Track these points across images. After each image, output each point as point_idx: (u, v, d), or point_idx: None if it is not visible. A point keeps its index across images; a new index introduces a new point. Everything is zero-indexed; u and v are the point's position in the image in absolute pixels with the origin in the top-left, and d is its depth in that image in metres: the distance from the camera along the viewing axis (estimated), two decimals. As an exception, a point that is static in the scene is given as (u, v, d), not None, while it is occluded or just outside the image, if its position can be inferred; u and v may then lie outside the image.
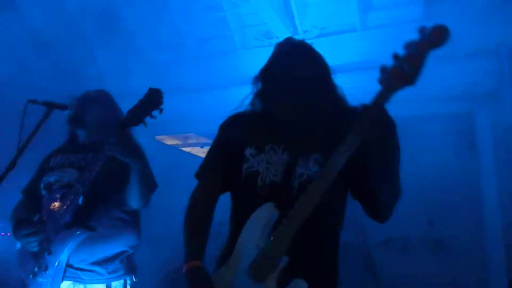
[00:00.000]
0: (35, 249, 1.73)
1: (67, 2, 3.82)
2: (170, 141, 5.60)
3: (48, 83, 3.77)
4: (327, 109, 1.35)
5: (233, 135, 1.39)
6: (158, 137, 5.26)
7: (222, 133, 1.45)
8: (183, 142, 5.72)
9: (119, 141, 1.67)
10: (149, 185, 1.85)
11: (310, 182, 1.18)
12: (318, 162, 1.28)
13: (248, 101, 1.43)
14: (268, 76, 1.41)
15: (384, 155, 1.21)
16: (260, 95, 1.42)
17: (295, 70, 1.37)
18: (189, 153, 5.51)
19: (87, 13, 3.91)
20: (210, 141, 5.88)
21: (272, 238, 1.16)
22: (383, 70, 1.14)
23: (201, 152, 5.61)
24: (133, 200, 1.82)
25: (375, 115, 1.14)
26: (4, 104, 3.67)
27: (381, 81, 1.14)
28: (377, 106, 1.14)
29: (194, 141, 5.66)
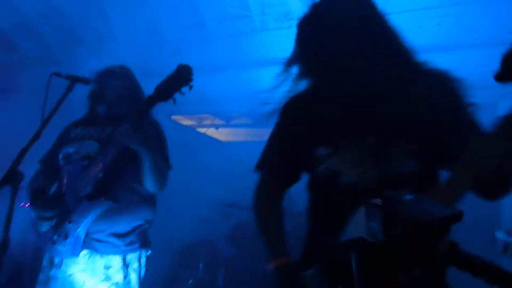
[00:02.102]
0: (43, 229, 1.78)
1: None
2: (185, 122, 5.64)
3: (69, 59, 3.82)
4: (400, 71, 1.11)
5: (299, 131, 1.23)
6: (173, 117, 5.30)
7: (284, 125, 1.29)
8: (198, 123, 5.75)
9: (132, 126, 1.67)
10: (161, 169, 1.86)
11: (407, 181, 1.03)
12: (413, 154, 1.07)
13: (290, 83, 1.23)
14: (315, 47, 1.16)
15: None
16: (310, 73, 1.20)
17: (344, 25, 1.11)
18: (204, 134, 5.55)
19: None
20: (224, 123, 5.89)
21: None
22: None
23: (216, 133, 5.64)
24: (148, 183, 1.84)
25: None
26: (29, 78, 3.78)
27: None
28: None
29: (209, 122, 5.69)
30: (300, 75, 1.22)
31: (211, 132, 5.57)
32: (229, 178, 4.14)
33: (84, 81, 1.81)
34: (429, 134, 1.05)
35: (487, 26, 3.11)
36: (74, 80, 1.76)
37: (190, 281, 3.80)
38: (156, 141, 1.87)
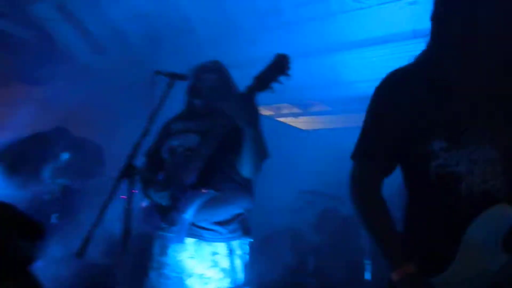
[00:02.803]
0: (168, 203, 1.87)
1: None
2: (264, 112, 5.70)
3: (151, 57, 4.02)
4: None
5: (407, 118, 1.07)
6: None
7: (387, 107, 1.12)
8: (276, 112, 5.77)
9: (238, 106, 1.72)
10: (261, 154, 1.90)
11: None
12: None
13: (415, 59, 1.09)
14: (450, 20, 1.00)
15: None
16: (438, 52, 1.04)
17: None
18: (284, 123, 5.56)
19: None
20: (302, 111, 5.85)
21: None
22: None
23: (296, 122, 5.62)
24: (245, 167, 1.88)
25: None
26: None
27: None
28: None
29: (287, 111, 5.69)
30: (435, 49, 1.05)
31: (290, 121, 5.57)
32: (312, 166, 4.12)
33: (182, 77, 1.88)
34: None
35: None
36: (173, 77, 1.84)
37: (279, 270, 3.86)
38: (258, 124, 1.89)
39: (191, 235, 1.89)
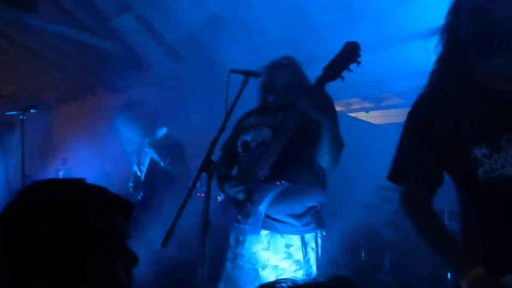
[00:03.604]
0: (243, 197, 1.96)
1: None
2: (336, 107, 5.64)
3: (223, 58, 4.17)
4: None
5: (445, 127, 1.11)
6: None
7: (422, 122, 1.17)
8: (346, 108, 5.69)
9: (312, 99, 1.74)
10: (338, 144, 1.90)
11: None
12: None
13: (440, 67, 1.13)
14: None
15: None
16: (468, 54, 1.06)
17: None
18: (356, 118, 5.47)
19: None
20: (374, 105, 5.70)
21: None
22: None
23: (366, 117, 5.50)
24: (324, 159, 1.90)
25: None
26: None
27: None
28: None
29: (357, 106, 5.58)
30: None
31: (361, 116, 5.46)
32: (386, 161, 4.00)
33: (256, 74, 1.96)
34: None
35: None
36: (248, 74, 1.91)
37: (353, 266, 3.81)
38: (335, 113, 1.90)
39: (266, 227, 1.95)
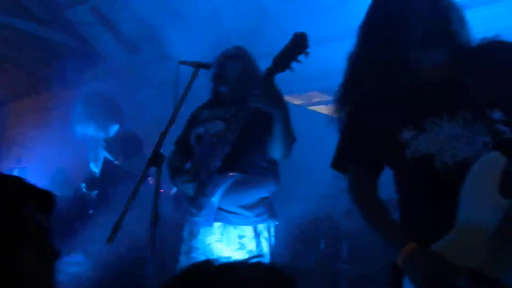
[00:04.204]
0: (191, 194, 1.96)
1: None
2: (296, 101, 5.68)
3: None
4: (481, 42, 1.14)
5: (374, 114, 1.20)
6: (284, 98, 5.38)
7: (355, 109, 1.25)
8: (307, 101, 5.75)
9: (263, 92, 1.75)
10: (290, 135, 1.93)
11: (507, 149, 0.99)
12: (501, 121, 1.07)
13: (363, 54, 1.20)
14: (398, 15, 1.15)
15: None
16: (391, 44, 1.15)
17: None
18: (316, 112, 5.54)
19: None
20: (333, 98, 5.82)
21: None
22: None
23: (327, 110, 5.58)
24: (275, 150, 1.91)
25: None
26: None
27: None
28: None
29: (318, 99, 5.65)
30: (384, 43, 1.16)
31: (322, 109, 5.53)
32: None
33: (206, 66, 1.94)
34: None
35: None
36: (198, 66, 1.90)
37: (312, 256, 3.87)
38: (284, 104, 1.91)
39: (218, 219, 1.96)
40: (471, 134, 1.07)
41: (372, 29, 1.21)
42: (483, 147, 1.06)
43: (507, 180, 0.99)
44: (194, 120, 2.16)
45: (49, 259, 0.75)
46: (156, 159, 1.71)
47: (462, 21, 1.14)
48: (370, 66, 1.20)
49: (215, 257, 1.93)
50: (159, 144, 1.74)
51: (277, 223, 2.07)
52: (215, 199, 1.92)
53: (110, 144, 2.96)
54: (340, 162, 1.30)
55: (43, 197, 0.77)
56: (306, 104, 5.70)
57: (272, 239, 2.03)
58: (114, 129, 3.08)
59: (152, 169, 1.72)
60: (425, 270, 1.02)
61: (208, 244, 1.99)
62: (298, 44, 1.70)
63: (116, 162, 2.95)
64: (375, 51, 1.18)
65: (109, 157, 2.95)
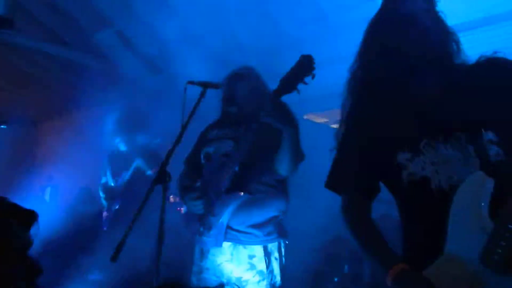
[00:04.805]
0: (201, 212, 1.95)
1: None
2: (318, 119, 5.64)
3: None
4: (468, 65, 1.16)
5: (370, 136, 1.20)
6: (306, 116, 5.35)
7: (353, 130, 1.26)
8: (330, 119, 5.69)
9: (273, 108, 1.75)
10: (298, 153, 1.92)
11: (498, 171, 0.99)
12: (493, 142, 1.06)
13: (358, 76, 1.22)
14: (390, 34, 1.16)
15: None
16: (383, 67, 1.17)
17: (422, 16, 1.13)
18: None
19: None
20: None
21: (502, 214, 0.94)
22: None
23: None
24: (283, 166, 1.90)
25: None
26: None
27: None
28: None
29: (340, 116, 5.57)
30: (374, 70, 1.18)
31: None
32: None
33: (215, 86, 1.96)
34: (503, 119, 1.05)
35: None
36: (206, 86, 1.92)
37: (336, 279, 3.76)
38: (294, 120, 1.91)
39: (228, 239, 1.94)
40: (466, 156, 1.06)
41: (368, 53, 1.22)
42: (477, 169, 1.04)
43: (494, 202, 0.97)
44: (203, 139, 2.17)
45: (32, 275, 0.76)
46: (162, 176, 1.72)
47: (456, 43, 1.17)
48: (366, 88, 1.22)
49: (225, 277, 1.93)
50: (165, 163, 1.75)
51: (287, 242, 2.03)
52: (224, 219, 1.91)
53: (146, 154, 3.03)
54: (335, 183, 1.30)
55: (27, 216, 0.78)
56: (329, 122, 5.64)
57: (283, 258, 1.99)
58: (142, 140, 3.17)
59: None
60: None
61: (219, 265, 1.97)
62: (305, 66, 1.71)
63: (148, 173, 3.02)
64: (371, 74, 1.20)
65: (144, 166, 3.02)
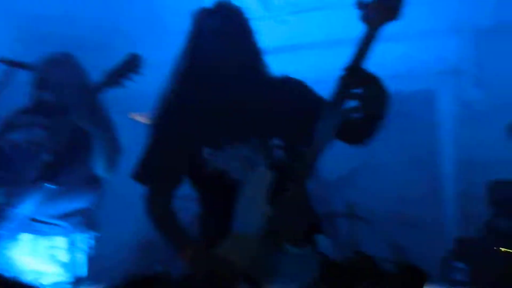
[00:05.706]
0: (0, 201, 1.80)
1: None
2: (144, 120, 5.60)
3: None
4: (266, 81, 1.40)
5: (178, 133, 1.37)
6: (132, 115, 5.26)
7: (163, 132, 1.41)
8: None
9: (84, 109, 1.77)
10: (113, 153, 1.93)
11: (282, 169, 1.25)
12: (279, 146, 1.34)
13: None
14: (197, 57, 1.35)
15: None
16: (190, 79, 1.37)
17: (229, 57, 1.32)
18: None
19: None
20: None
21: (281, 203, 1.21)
22: (362, 5, 1.12)
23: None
24: (97, 166, 1.91)
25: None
26: None
27: (363, 19, 1.13)
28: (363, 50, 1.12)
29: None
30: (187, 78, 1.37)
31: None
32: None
33: (23, 66, 1.83)
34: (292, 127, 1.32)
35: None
36: (13, 64, 1.78)
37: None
38: (107, 123, 1.92)
39: (30, 231, 1.85)
40: (257, 155, 1.32)
41: (184, 64, 1.38)
42: (266, 166, 1.31)
43: (270, 191, 1.24)
44: (9, 125, 2.00)
45: None
46: None
47: (262, 61, 1.39)
48: (179, 90, 1.38)
49: (22, 271, 1.80)
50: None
51: (98, 234, 2.02)
52: (25, 211, 1.81)
53: None
54: (142, 175, 1.41)
55: None
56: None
57: (91, 250, 1.97)
58: None
59: None
60: (203, 266, 1.22)
61: (12, 258, 1.83)
62: (131, 64, 1.79)
63: None
64: (185, 83, 1.38)
65: None
